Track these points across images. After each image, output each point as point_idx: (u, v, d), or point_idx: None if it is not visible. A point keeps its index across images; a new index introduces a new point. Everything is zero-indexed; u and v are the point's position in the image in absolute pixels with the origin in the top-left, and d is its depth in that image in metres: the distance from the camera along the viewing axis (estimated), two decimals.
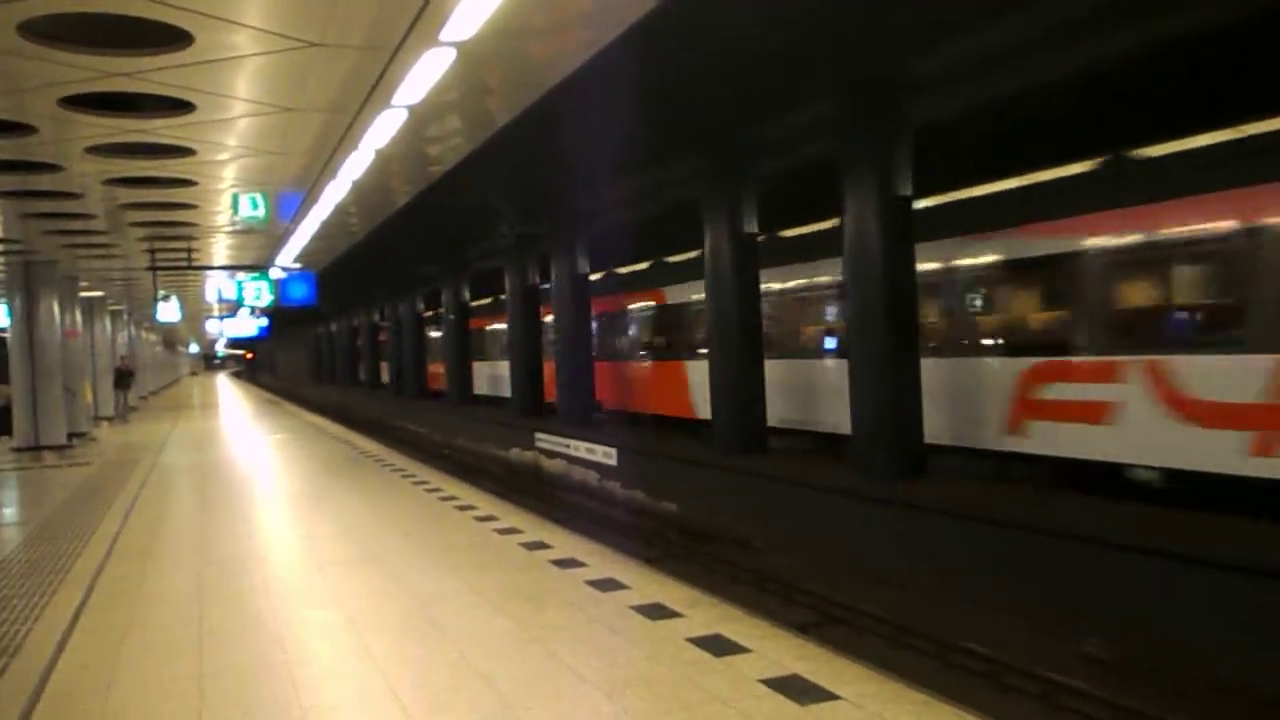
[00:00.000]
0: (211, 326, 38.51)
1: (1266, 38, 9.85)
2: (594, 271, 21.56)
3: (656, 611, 6.20)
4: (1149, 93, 11.53)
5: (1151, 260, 10.17)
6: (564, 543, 8.58)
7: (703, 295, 15.82)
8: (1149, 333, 10.13)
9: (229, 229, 16.69)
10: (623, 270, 22.83)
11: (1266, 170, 8.96)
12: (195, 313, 36.46)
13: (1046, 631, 8.49)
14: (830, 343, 14.88)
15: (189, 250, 18.07)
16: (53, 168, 11.12)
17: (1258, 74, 10.54)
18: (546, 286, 22.65)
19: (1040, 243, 11.19)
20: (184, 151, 10.69)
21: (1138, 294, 10.48)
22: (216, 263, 21.31)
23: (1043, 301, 11.59)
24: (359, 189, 13.51)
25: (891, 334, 11.68)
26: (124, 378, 30.52)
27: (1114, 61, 10.43)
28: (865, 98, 11.85)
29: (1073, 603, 8.65)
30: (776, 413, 15.20)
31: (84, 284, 24.21)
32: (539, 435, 20.75)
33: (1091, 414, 10.45)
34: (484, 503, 11.15)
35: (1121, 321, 10.40)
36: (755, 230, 14.84)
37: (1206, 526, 8.65)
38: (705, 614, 6.14)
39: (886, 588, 10.13)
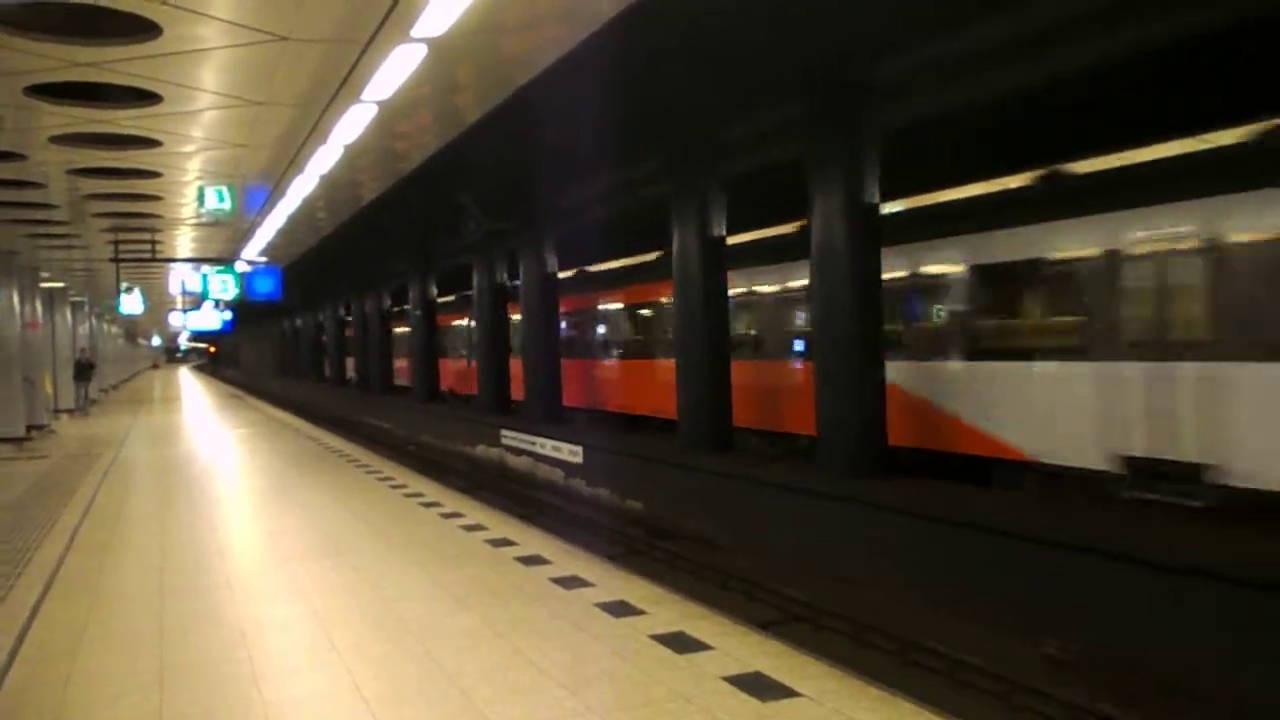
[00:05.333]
0: (175, 319, 38.00)
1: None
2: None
3: (620, 609, 6.25)
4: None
5: None
6: (529, 540, 8.60)
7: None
8: None
9: (194, 221, 16.54)
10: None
11: None
12: (158, 305, 36.04)
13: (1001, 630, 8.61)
14: None
15: (153, 242, 17.89)
16: (15, 156, 10.98)
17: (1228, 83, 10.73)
18: (516, 284, 22.63)
19: None
20: (149, 143, 10.59)
21: None
22: (181, 255, 21.09)
23: None
24: (327, 183, 13.44)
25: (857, 338, 11.78)
26: (84, 370, 30.06)
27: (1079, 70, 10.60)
28: (832, 100, 11.93)
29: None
30: None
31: (45, 275, 23.88)
32: (504, 432, 20.75)
33: None
34: (449, 499, 11.14)
35: None
36: (723, 233, 14.88)
37: None
38: (669, 611, 6.19)
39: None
